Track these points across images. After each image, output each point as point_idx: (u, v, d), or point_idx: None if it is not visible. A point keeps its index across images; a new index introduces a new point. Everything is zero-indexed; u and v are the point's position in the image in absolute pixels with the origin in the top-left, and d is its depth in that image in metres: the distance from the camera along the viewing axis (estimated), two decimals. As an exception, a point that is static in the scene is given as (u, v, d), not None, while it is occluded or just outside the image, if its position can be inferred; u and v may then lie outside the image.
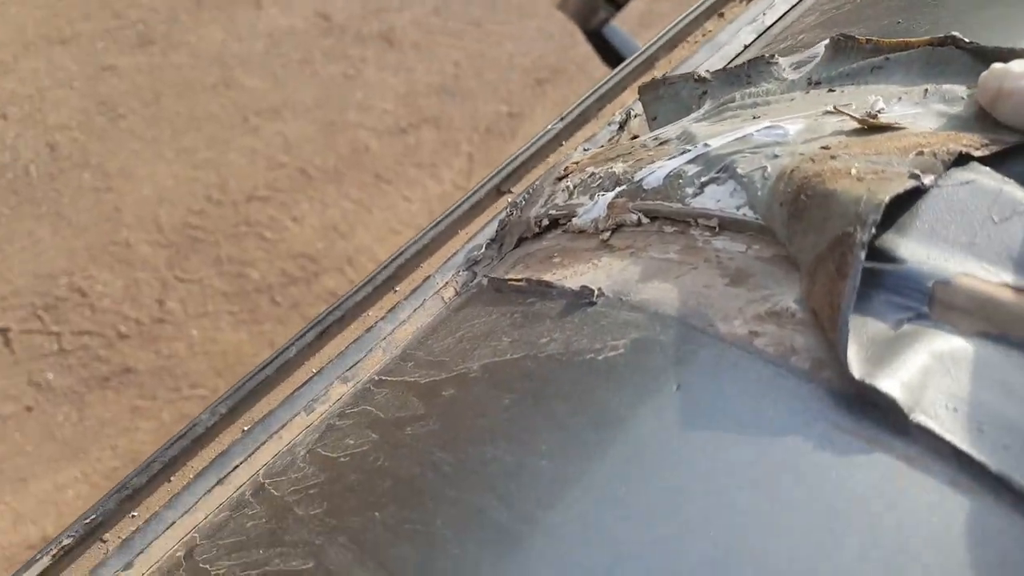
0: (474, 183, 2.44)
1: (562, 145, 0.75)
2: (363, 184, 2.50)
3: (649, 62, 0.79)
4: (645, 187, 0.54)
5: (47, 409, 1.96)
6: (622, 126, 0.70)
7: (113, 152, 2.30)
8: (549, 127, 0.73)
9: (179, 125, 2.40)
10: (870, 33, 0.62)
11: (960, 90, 0.52)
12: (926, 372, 0.40)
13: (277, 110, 2.54)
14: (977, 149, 0.47)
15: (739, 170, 0.50)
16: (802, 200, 0.45)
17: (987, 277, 0.43)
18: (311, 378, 0.59)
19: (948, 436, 0.38)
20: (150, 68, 2.47)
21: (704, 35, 0.81)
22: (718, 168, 0.51)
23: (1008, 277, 0.42)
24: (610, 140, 0.70)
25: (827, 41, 0.59)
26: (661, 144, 0.58)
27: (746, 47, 0.76)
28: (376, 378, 0.56)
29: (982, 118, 0.50)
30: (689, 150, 0.54)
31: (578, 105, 0.75)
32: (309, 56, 2.64)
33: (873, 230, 0.41)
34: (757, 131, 0.52)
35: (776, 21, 0.77)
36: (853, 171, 0.44)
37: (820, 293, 0.43)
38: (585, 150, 0.70)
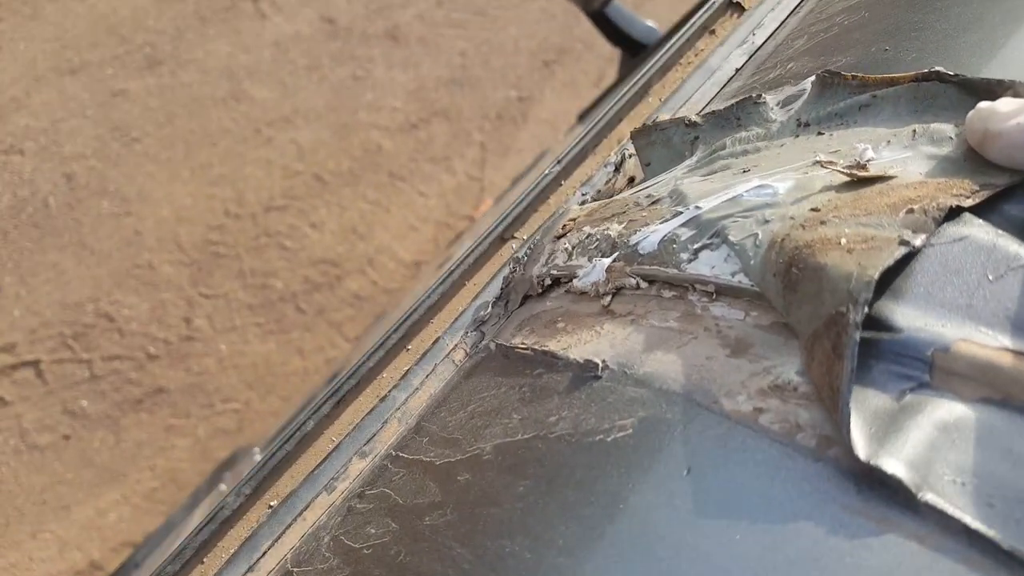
0: (487, 173, 2.43)
1: (561, 185, 0.75)
2: (378, 184, 2.51)
3: (643, 90, 0.79)
4: (640, 251, 0.55)
5: (84, 436, 2.01)
6: (618, 168, 0.70)
7: (130, 176, 2.32)
8: (547, 171, 0.73)
9: (193, 143, 2.42)
10: (857, 61, 0.61)
11: (948, 129, 0.52)
12: (931, 446, 0.40)
13: (288, 118, 2.55)
14: (968, 198, 0.46)
15: (731, 237, 0.50)
16: (794, 273, 0.45)
17: (986, 341, 0.43)
18: (330, 454, 0.60)
19: (958, 514, 0.38)
20: (160, 89, 2.49)
21: (696, 55, 0.81)
22: (710, 233, 0.52)
23: (1007, 340, 0.42)
24: (607, 183, 0.70)
25: (813, 78, 0.59)
26: (653, 203, 0.58)
27: (737, 71, 0.75)
28: (393, 454, 0.57)
29: (972, 158, 0.50)
30: (681, 212, 0.54)
31: (575, 145, 0.75)
32: (316, 61, 2.65)
33: (866, 308, 0.41)
34: (747, 192, 0.52)
35: (766, 40, 0.76)
36: (843, 241, 0.44)
37: (819, 370, 0.43)
38: (583, 194, 0.71)
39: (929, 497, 0.38)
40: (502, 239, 0.73)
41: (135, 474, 2.00)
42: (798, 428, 0.43)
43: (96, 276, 2.17)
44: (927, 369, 0.43)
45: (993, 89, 0.51)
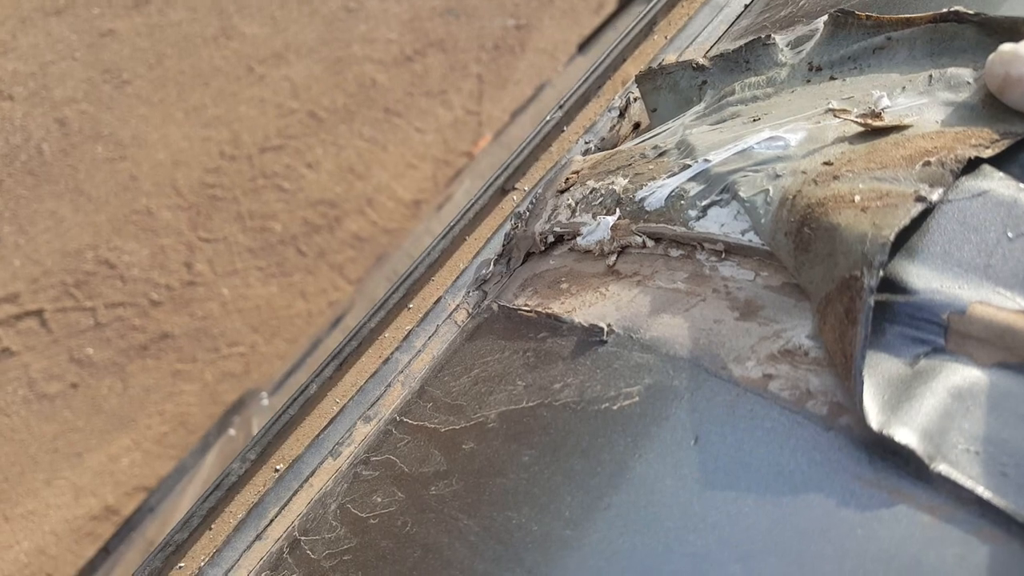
0: (484, 107, 2.38)
1: (564, 131, 0.73)
2: (374, 121, 2.48)
3: (648, 27, 0.76)
4: (647, 208, 0.53)
5: (91, 384, 2.01)
6: (622, 113, 0.68)
7: (123, 120, 2.29)
8: (548, 117, 0.71)
9: (185, 84, 2.38)
10: (872, 0, 0.58)
11: (966, 74, 0.49)
12: (945, 414, 0.39)
13: (280, 55, 2.50)
14: (987, 148, 0.44)
15: (741, 192, 0.48)
16: (806, 232, 0.44)
17: (1004, 303, 0.41)
18: (334, 418, 0.59)
19: (970, 484, 0.37)
20: (149, 28, 2.43)
21: (703, -10, 0.78)
22: (720, 188, 0.50)
23: (1024, 300, 0.41)
24: (611, 130, 0.68)
25: (826, 18, 0.56)
26: (660, 155, 0.56)
27: (747, 7, 0.72)
28: (397, 419, 0.57)
29: (991, 104, 0.47)
30: (689, 165, 0.52)
31: (577, 88, 0.72)
32: (308, -8, 2.58)
33: (881, 272, 0.39)
34: (758, 144, 0.50)
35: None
36: (857, 199, 0.43)
37: (831, 335, 0.42)
38: (587, 143, 0.68)
39: (942, 468, 0.37)
40: (503, 190, 0.71)
41: (144, 420, 2.01)
42: (808, 395, 0.42)
43: (95, 223, 2.15)
44: (942, 333, 0.42)
45: (1018, 28, 0.48)
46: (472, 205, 0.69)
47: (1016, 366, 0.40)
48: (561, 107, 0.72)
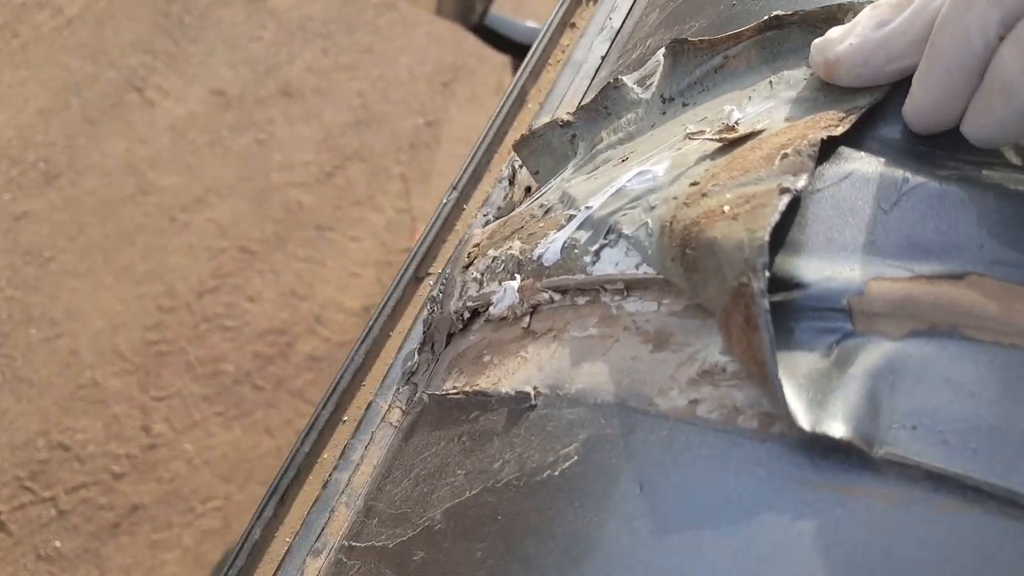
0: (414, 203, 2.40)
1: (464, 209, 0.73)
2: (308, 240, 2.48)
3: (520, 98, 0.77)
4: (546, 263, 0.53)
5: (67, 577, 1.93)
6: (511, 181, 0.69)
7: (53, 297, 2.26)
8: (444, 200, 0.71)
9: (110, 248, 2.37)
10: (709, 23, 0.60)
11: (801, 72, 0.51)
12: (872, 396, 0.39)
13: (201, 199, 2.50)
14: (837, 126, 0.45)
15: (625, 230, 0.49)
16: (689, 253, 0.44)
17: (897, 274, 0.41)
18: (282, 561, 0.57)
19: (916, 460, 0.36)
20: (64, 202, 2.43)
21: (563, 51, 0.80)
22: (606, 231, 0.50)
23: (917, 267, 0.41)
24: (505, 198, 0.68)
25: (663, 50, 0.58)
26: (547, 212, 0.56)
27: (603, 59, 0.74)
28: (346, 544, 0.54)
29: (831, 90, 0.49)
30: (574, 215, 0.53)
31: (466, 168, 0.73)
32: (216, 136, 2.60)
33: (767, 272, 0.39)
34: (628, 181, 0.50)
35: (623, 22, 0.75)
36: (726, 209, 0.43)
37: (739, 346, 0.41)
38: (485, 215, 0.69)
39: (884, 451, 0.37)
40: (416, 279, 0.71)
41: (129, 600, 1.93)
42: (736, 411, 0.41)
43: (41, 408, 2.10)
44: (848, 317, 0.41)
45: (834, 16, 0.50)
46: (388, 300, 0.69)
47: (927, 332, 0.40)
48: (455, 188, 0.72)
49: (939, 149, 0.45)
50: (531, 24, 1.81)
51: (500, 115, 0.75)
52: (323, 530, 0.57)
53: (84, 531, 1.98)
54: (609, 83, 0.59)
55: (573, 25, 0.82)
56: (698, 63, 0.56)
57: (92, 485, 2.04)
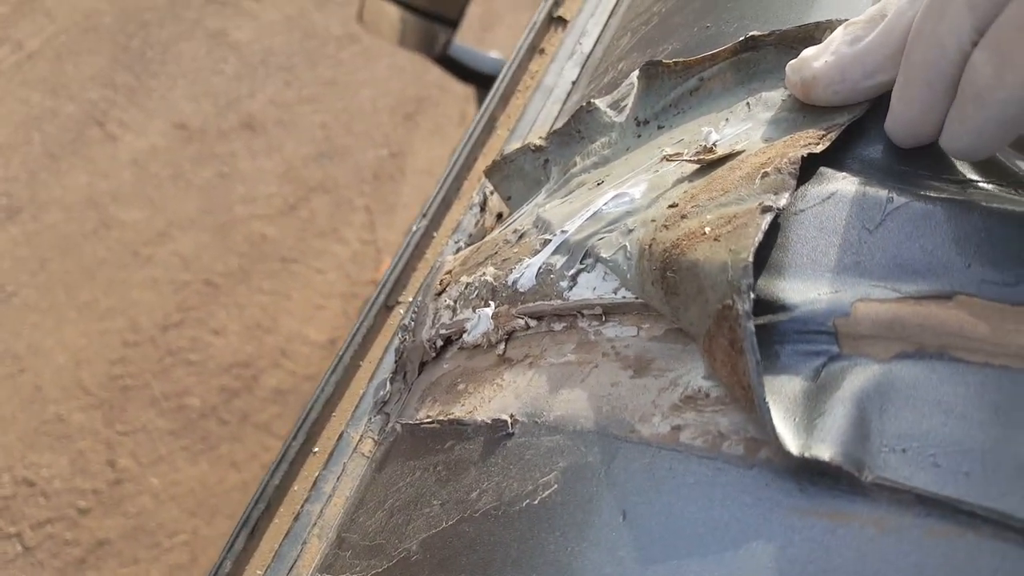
0: (379, 234, 2.39)
1: (434, 236, 0.72)
2: (272, 273, 2.45)
3: (490, 124, 0.77)
4: (521, 289, 0.52)
5: (32, 615, 1.88)
6: (482, 207, 0.68)
7: (15, 333, 2.22)
8: (415, 228, 0.70)
9: (72, 283, 2.33)
10: (683, 46, 0.60)
11: (779, 93, 0.51)
12: (861, 419, 0.38)
13: (164, 232, 2.47)
14: (817, 144, 0.45)
15: (602, 254, 0.48)
16: (670, 277, 0.43)
17: (884, 295, 0.41)
18: (254, 600, 0.55)
19: (907, 484, 0.36)
20: (26, 237, 2.39)
21: (532, 77, 0.79)
22: (582, 256, 0.49)
23: (904, 287, 0.41)
24: (476, 225, 0.67)
25: (637, 72, 0.57)
26: (521, 237, 0.56)
27: (573, 83, 0.74)
28: (317, 578, 0.53)
29: (809, 109, 0.49)
30: (549, 239, 0.52)
31: (437, 194, 0.72)
32: (178, 169, 2.58)
33: (752, 294, 0.38)
34: (605, 204, 0.50)
35: (594, 47, 0.75)
36: (707, 230, 0.42)
37: (724, 370, 0.41)
38: (456, 242, 0.68)
39: (874, 475, 0.36)
40: (387, 307, 0.69)
41: (95, 640, 1.88)
42: (721, 437, 0.40)
43: (4, 444, 2.06)
44: (834, 340, 0.41)
45: (811, 34, 0.50)
46: (358, 328, 0.67)
47: (915, 354, 0.39)
48: (424, 215, 0.71)
49: (922, 169, 0.44)
50: (494, 55, 1.82)
51: (470, 141, 0.75)
52: (295, 563, 0.55)
53: (50, 567, 1.94)
54: (582, 107, 0.59)
55: (542, 51, 0.82)
56: (673, 85, 0.56)
57: (58, 520, 2.00)
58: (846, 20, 0.47)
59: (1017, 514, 0.33)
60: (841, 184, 0.44)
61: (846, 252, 0.42)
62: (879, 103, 0.46)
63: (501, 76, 0.77)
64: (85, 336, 2.25)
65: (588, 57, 0.76)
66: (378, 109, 2.75)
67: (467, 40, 2.09)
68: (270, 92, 2.74)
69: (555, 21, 0.84)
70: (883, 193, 0.43)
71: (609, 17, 0.79)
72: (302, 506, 0.58)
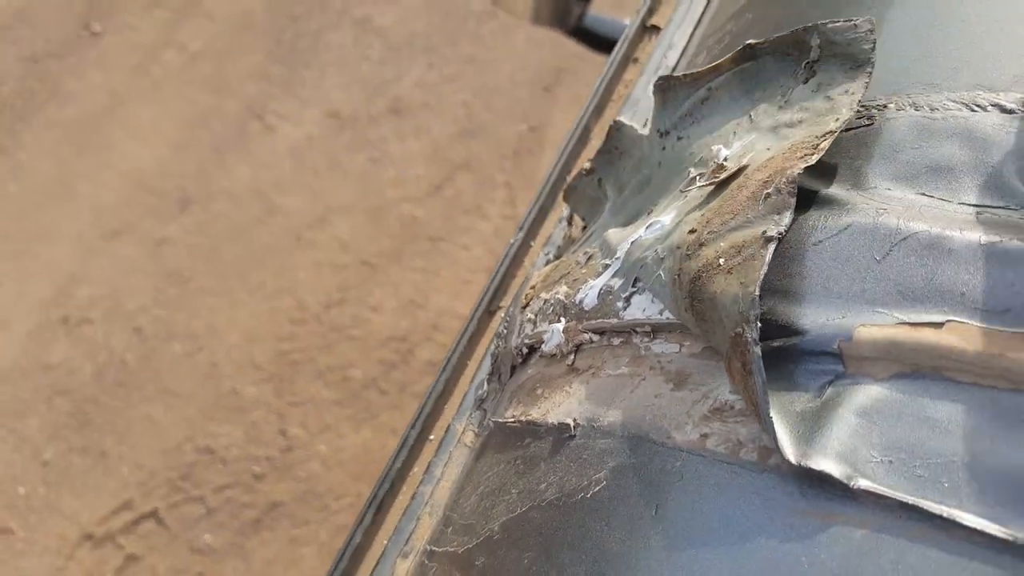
0: (519, 209, 2.46)
1: (531, 246, 0.80)
2: (422, 252, 2.59)
3: (584, 135, 0.83)
4: (586, 307, 0.60)
5: (216, 569, 2.11)
6: (570, 220, 0.75)
7: (193, 315, 2.45)
8: (512, 241, 0.78)
9: (242, 267, 2.54)
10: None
11: (777, 101, 0.55)
12: (855, 433, 0.44)
13: (324, 218, 2.65)
14: (812, 155, 0.49)
15: (643, 281, 0.55)
16: (697, 306, 0.49)
17: (884, 320, 0.46)
18: (378, 562, 0.65)
19: (890, 492, 0.41)
20: (199, 226, 2.62)
21: (625, 87, 0.85)
22: (633, 280, 0.56)
23: (902, 314, 0.46)
24: (564, 237, 0.75)
25: (652, 88, 0.63)
26: (589, 259, 0.63)
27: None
28: (428, 549, 0.63)
29: (804, 113, 0.53)
30: (609, 264, 0.59)
31: (532, 208, 0.80)
32: (334, 157, 2.75)
33: (759, 323, 0.45)
34: (644, 232, 0.56)
35: (679, 60, 0.80)
36: (721, 262, 0.48)
37: (740, 387, 0.47)
38: (546, 254, 0.75)
39: (862, 483, 0.41)
40: (489, 312, 0.78)
41: (272, 593, 2.09)
42: (740, 445, 0.47)
43: (187, 416, 2.29)
44: (839, 361, 0.46)
45: (802, 39, 0.54)
46: (465, 331, 0.77)
47: (911, 374, 0.44)
48: (522, 228, 0.79)
49: (942, 194, 0.48)
50: (630, 22, 1.83)
51: (565, 152, 0.82)
52: (411, 536, 0.65)
53: (230, 527, 2.15)
54: (611, 126, 0.65)
55: (635, 60, 0.87)
56: (685, 96, 0.61)
57: (236, 485, 2.21)
58: (831, 25, 0.51)
59: (995, 521, 0.38)
60: (858, 217, 0.49)
61: (855, 280, 0.47)
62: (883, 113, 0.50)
63: (596, 86, 0.83)
64: (255, 316, 2.46)
65: (673, 71, 0.81)
66: (517, 83, 2.82)
67: (602, 9, 2.12)
68: (415, 75, 2.86)
69: (648, 30, 0.89)
70: (894, 223, 0.47)
71: (695, 28, 0.84)
72: (418, 487, 0.68)
